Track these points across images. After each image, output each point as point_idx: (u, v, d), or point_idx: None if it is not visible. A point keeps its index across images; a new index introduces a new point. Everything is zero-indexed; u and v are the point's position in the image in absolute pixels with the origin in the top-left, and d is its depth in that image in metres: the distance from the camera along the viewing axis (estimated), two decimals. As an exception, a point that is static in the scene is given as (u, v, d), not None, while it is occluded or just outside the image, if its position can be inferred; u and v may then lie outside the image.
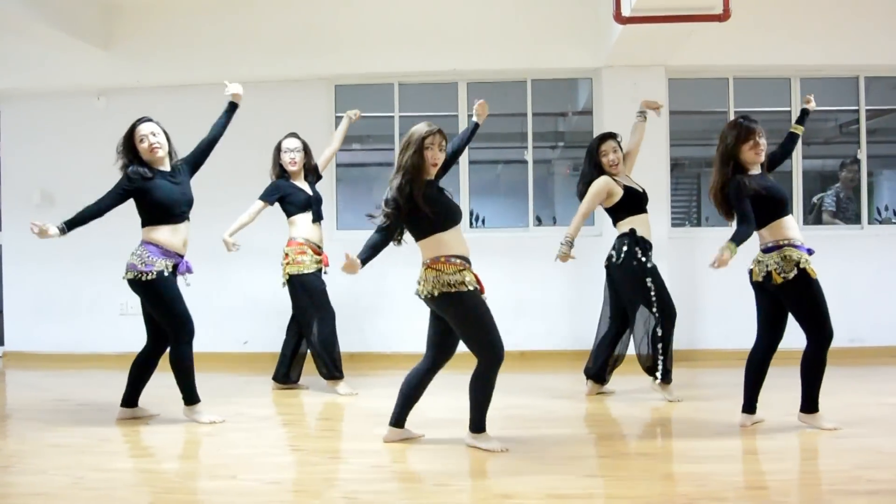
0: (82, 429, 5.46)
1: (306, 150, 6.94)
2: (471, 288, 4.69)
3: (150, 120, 5.65)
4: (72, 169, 8.81)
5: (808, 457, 4.76)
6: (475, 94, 8.63)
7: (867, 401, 6.20)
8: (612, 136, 6.51)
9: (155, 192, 5.53)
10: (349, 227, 8.92)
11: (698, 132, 10.00)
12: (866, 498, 3.98)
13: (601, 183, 6.34)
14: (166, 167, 5.66)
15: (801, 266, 5.04)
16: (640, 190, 6.45)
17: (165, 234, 5.55)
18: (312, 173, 7.03)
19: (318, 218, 6.90)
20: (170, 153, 5.71)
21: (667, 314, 6.18)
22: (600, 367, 6.48)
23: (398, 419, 5.02)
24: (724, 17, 6.50)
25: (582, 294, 8.03)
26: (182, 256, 5.66)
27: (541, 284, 8.42)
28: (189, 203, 5.72)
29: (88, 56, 8.43)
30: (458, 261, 4.72)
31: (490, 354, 4.72)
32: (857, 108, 8.71)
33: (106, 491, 4.22)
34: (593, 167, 6.44)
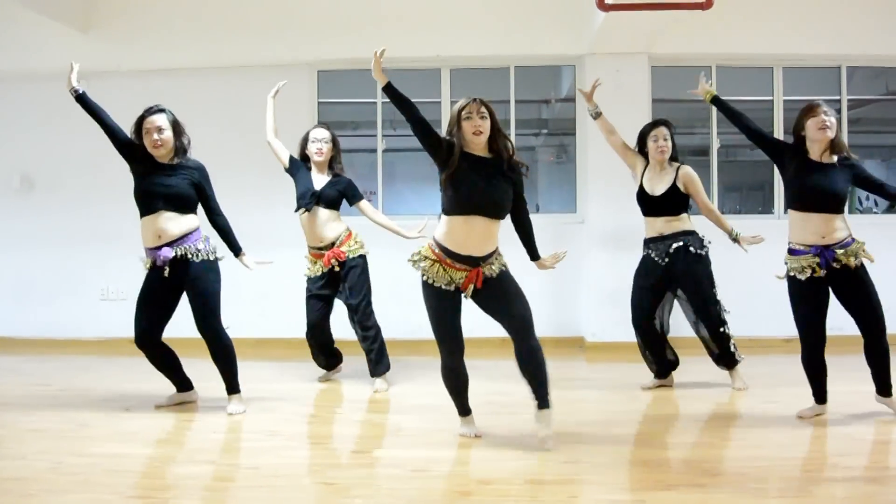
0: (62, 414, 5.45)
1: (335, 142, 6.62)
2: (429, 280, 4.63)
3: (161, 111, 5.51)
4: (52, 153, 8.76)
5: (786, 444, 4.77)
6: (458, 80, 8.66)
7: (844, 388, 6.21)
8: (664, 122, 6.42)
9: (138, 183, 5.49)
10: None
11: (683, 120, 10.01)
12: (843, 484, 4.02)
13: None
14: (169, 161, 5.51)
15: None
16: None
17: (142, 228, 5.50)
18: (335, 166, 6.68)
19: (307, 207, 6.52)
20: (180, 147, 5.53)
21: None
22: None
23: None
24: (706, 5, 6.50)
25: (563, 281, 8.03)
26: (158, 248, 5.49)
27: (521, 272, 8.39)
28: (169, 197, 5.46)
29: (69, 39, 8.36)
30: (440, 252, 4.65)
31: (440, 351, 4.72)
32: (838, 97, 8.75)
33: (84, 476, 4.22)
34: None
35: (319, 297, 6.51)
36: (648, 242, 6.28)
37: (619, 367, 6.54)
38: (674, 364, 6.40)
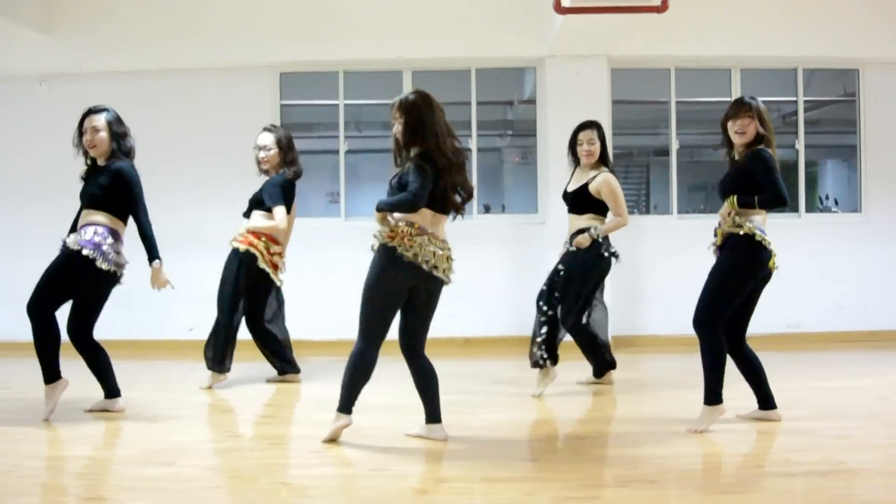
0: (21, 416, 5.41)
1: (280, 143, 6.55)
2: (407, 254, 4.64)
3: (99, 111, 5.46)
4: (15, 156, 8.70)
5: (741, 439, 4.84)
6: (420, 82, 8.68)
7: (801, 385, 6.33)
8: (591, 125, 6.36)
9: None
10: (298, 215, 8.91)
11: (644, 121, 10.12)
12: (797, 479, 4.08)
13: None
14: (103, 162, 5.46)
15: None
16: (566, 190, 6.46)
17: None
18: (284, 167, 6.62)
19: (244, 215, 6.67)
20: (117, 150, 5.44)
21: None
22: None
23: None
24: (662, 8, 6.57)
25: (525, 281, 8.11)
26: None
27: (484, 271, 8.48)
28: (86, 196, 5.46)
29: (30, 41, 8.32)
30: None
31: (365, 337, 4.73)
32: (795, 98, 8.88)
33: (42, 479, 4.23)
34: None
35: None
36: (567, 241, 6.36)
37: (578, 365, 6.58)
38: (610, 364, 6.47)
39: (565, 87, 8.30)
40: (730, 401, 5.08)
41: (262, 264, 6.47)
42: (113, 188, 5.37)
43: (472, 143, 8.81)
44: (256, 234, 6.48)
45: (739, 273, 4.95)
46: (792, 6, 8.50)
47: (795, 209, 8.90)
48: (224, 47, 8.47)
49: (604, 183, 6.13)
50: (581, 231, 6.14)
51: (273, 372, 6.83)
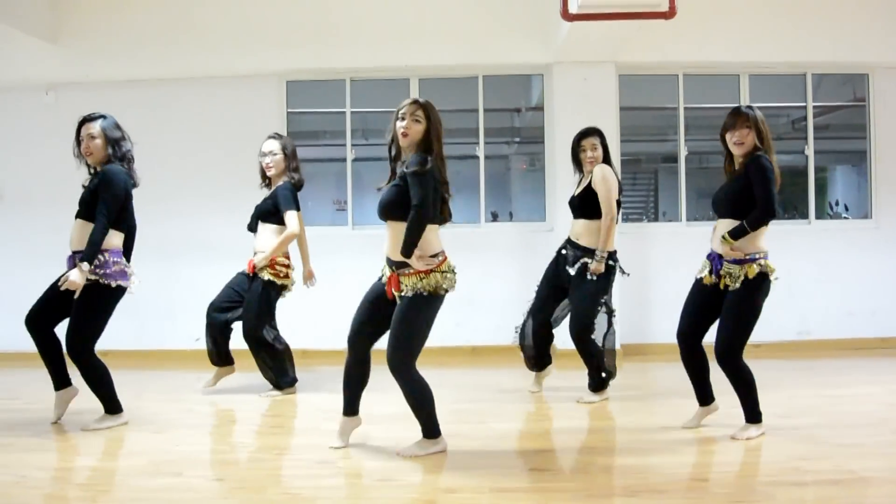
0: (28, 427, 5.41)
1: (285, 150, 6.58)
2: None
3: (95, 119, 5.45)
4: (22, 164, 8.72)
5: (750, 449, 4.80)
6: (427, 89, 8.68)
7: (810, 392, 6.31)
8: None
9: None
10: (304, 223, 8.91)
11: (652, 128, 10.09)
12: (805, 488, 4.05)
13: None
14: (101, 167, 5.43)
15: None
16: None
17: None
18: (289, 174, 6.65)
19: (249, 227, 6.74)
20: (112, 156, 5.41)
21: None
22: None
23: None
24: (669, 14, 6.55)
25: (532, 289, 8.05)
26: (73, 254, 5.41)
27: (491, 279, 8.47)
28: (81, 203, 5.42)
29: (36, 50, 8.33)
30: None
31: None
32: (804, 104, 8.85)
33: (48, 489, 4.21)
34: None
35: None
36: (565, 243, 6.34)
37: (580, 374, 6.56)
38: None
39: (573, 94, 8.28)
40: (727, 408, 5.07)
41: (288, 288, 6.61)
42: (93, 191, 5.34)
43: (480, 151, 8.80)
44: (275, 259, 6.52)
45: (759, 308, 4.97)
46: (800, 11, 8.47)
47: (805, 215, 8.87)
48: (230, 55, 8.47)
49: (599, 173, 6.14)
50: (581, 249, 6.16)
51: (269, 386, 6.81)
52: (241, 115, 8.61)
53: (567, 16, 6.70)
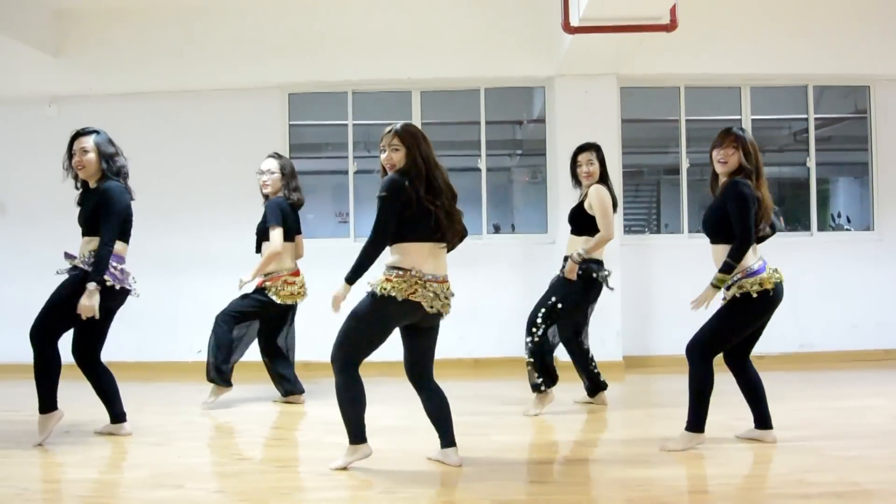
0: (29, 440, 5.38)
1: (283, 170, 6.62)
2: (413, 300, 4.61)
3: (88, 133, 5.43)
4: (24, 178, 8.72)
5: (753, 461, 4.80)
6: (429, 102, 8.69)
7: (813, 405, 6.29)
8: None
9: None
10: (304, 236, 8.90)
11: (654, 140, 10.10)
12: (811, 501, 4.03)
13: None
14: (94, 185, 5.44)
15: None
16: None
17: None
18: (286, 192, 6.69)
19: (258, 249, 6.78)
20: (106, 171, 5.38)
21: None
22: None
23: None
24: (670, 27, 6.58)
25: (535, 302, 8.07)
26: (66, 255, 5.48)
27: (494, 292, 8.46)
28: (81, 221, 5.44)
29: (39, 63, 8.34)
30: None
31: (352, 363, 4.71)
32: (806, 116, 8.86)
33: (51, 502, 4.21)
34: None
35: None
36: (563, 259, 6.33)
37: (577, 386, 6.55)
38: (602, 385, 6.45)
39: (574, 106, 8.29)
40: (739, 421, 5.05)
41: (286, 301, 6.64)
42: (94, 209, 5.33)
43: (482, 163, 8.80)
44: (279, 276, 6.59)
45: (746, 324, 4.98)
46: (801, 24, 8.47)
47: (808, 227, 8.86)
48: (232, 68, 8.48)
49: (593, 194, 6.15)
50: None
51: (276, 394, 6.84)
52: (244, 128, 8.63)
53: (569, 29, 6.73)
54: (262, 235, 6.60)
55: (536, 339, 6.05)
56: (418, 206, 4.49)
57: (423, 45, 8.47)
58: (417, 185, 4.51)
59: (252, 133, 8.59)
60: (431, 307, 4.52)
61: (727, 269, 4.90)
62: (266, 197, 6.67)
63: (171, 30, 8.49)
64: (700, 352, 4.94)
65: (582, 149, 6.31)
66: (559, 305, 6.08)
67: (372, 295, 4.54)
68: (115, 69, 8.50)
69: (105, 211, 5.26)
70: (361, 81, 8.70)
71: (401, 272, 4.51)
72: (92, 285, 5.14)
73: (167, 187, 8.47)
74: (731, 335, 4.99)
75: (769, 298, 4.92)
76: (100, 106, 8.50)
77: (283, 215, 6.51)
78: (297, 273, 6.70)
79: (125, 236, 5.45)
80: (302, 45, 8.46)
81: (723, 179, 5.10)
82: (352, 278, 4.53)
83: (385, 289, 4.47)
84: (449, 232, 4.60)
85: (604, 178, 6.26)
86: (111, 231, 5.25)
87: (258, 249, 6.70)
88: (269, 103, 8.75)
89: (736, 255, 4.88)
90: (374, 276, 4.60)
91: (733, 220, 4.91)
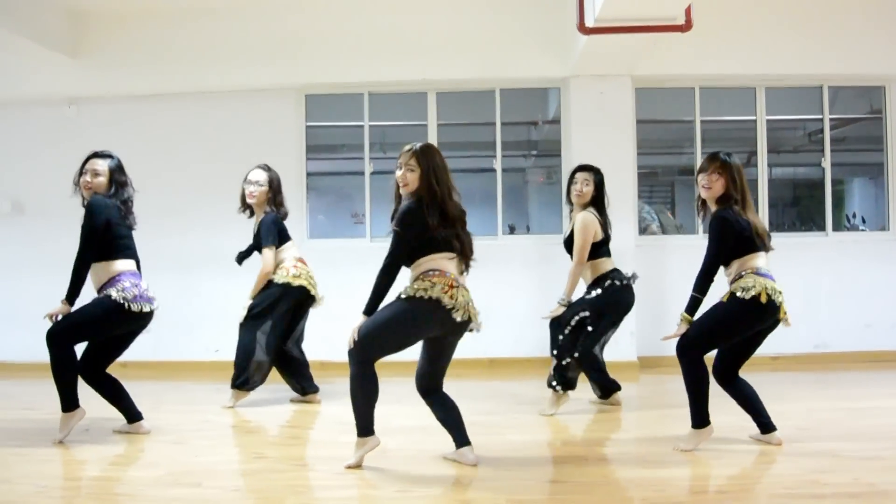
0: (48, 438, 5.44)
1: (271, 182, 6.65)
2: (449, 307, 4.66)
3: (104, 156, 5.48)
4: (43, 177, 8.76)
5: (767, 461, 4.80)
6: (444, 103, 8.72)
7: (828, 405, 6.28)
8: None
9: None
10: (320, 236, 8.96)
11: (668, 140, 10.09)
12: (826, 501, 4.03)
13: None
14: None
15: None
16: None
17: None
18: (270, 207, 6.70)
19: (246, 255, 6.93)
20: (115, 197, 5.42)
21: None
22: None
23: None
24: (685, 27, 6.59)
25: (550, 302, 8.06)
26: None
27: (509, 292, 8.47)
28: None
29: (58, 64, 8.41)
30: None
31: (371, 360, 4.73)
32: (821, 116, 8.84)
33: (69, 500, 4.24)
34: None
35: None
36: None
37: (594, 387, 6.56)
38: (615, 386, 6.46)
39: (589, 107, 8.30)
40: (751, 422, 5.06)
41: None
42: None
43: (497, 164, 8.83)
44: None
45: (733, 325, 4.98)
46: (816, 24, 8.46)
47: (822, 227, 8.84)
48: (249, 69, 8.53)
49: (578, 219, 6.18)
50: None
51: (292, 393, 6.88)
52: (260, 129, 8.68)
53: (584, 29, 6.74)
54: (256, 248, 6.70)
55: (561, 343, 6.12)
56: (433, 230, 4.57)
57: (439, 47, 8.50)
58: (431, 212, 4.57)
59: (268, 134, 8.64)
60: (462, 314, 4.58)
61: (694, 303, 5.00)
62: (247, 206, 6.69)
63: (188, 31, 8.54)
64: (689, 350, 4.98)
65: (581, 168, 6.34)
66: (589, 328, 6.11)
67: (408, 298, 4.56)
68: (133, 70, 8.56)
69: (83, 224, 5.30)
70: (377, 83, 8.73)
71: (436, 272, 4.57)
72: (61, 306, 5.34)
73: (184, 187, 8.51)
74: (719, 335, 5.00)
75: (760, 307, 4.89)
76: (118, 107, 8.57)
77: (281, 235, 6.62)
78: (301, 261, 6.73)
79: (129, 252, 5.46)
80: (318, 47, 8.49)
81: (710, 204, 5.10)
82: (370, 310, 4.56)
83: (424, 289, 4.52)
84: (462, 254, 4.73)
85: (596, 204, 6.27)
86: (83, 244, 5.28)
87: (247, 255, 6.84)
88: (286, 104, 8.79)
89: (699, 287, 4.96)
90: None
91: (705, 254, 4.97)
